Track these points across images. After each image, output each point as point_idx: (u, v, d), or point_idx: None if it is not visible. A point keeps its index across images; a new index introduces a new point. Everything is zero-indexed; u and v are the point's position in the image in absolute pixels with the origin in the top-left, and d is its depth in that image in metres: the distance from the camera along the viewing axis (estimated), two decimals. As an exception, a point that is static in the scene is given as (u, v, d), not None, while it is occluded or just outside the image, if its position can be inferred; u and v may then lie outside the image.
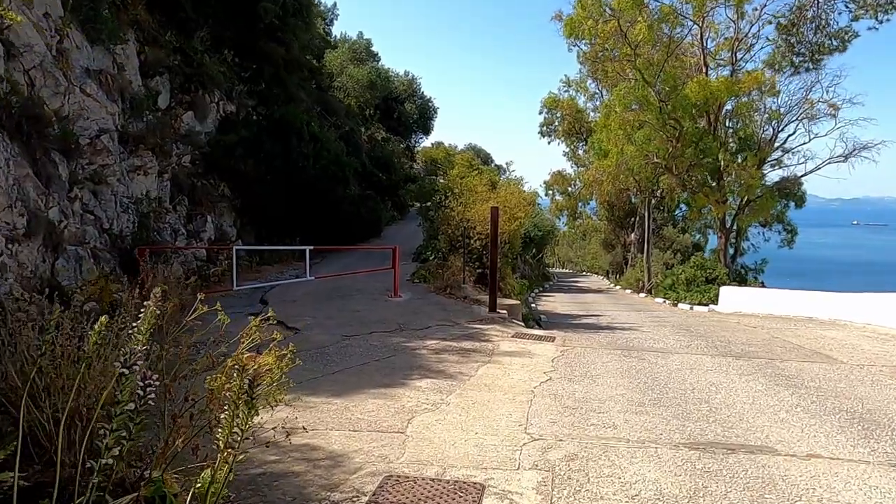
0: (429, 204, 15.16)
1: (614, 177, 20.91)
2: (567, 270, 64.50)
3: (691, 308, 17.63)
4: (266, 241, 15.96)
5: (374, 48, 31.31)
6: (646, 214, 26.85)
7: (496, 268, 10.72)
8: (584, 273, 57.92)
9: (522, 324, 11.01)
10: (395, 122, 33.62)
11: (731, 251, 21.37)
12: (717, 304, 17.04)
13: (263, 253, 15.06)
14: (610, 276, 44.98)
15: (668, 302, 19.74)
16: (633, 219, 38.94)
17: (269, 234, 16.09)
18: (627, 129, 18.29)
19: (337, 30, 34.34)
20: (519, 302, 11.49)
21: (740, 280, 19.31)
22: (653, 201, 27.12)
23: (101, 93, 11.20)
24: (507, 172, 14.25)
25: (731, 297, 16.28)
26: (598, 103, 35.16)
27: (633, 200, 32.56)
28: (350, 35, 31.32)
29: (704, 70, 19.77)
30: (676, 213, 39.74)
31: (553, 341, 8.99)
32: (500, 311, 10.82)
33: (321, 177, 16.31)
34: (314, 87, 25.08)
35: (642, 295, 24.75)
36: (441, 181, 14.93)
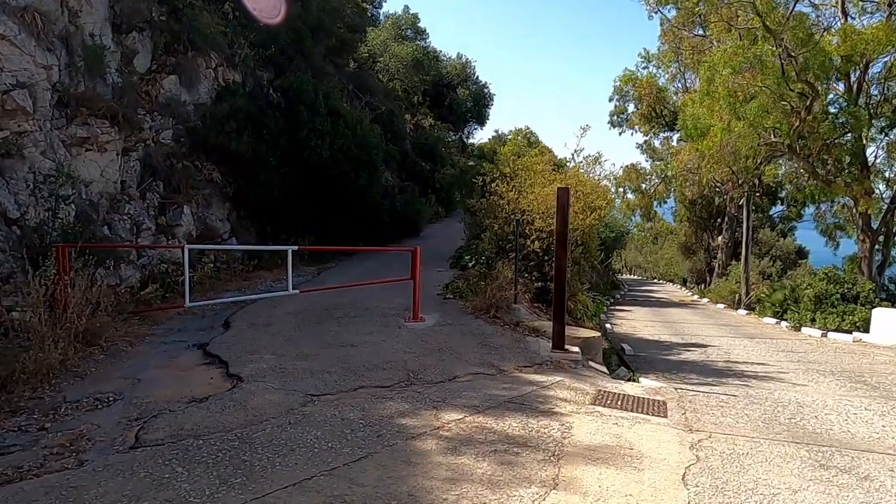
0: (470, 193, 11.53)
1: (717, 161, 16.43)
2: (635, 277, 59.12)
3: (824, 335, 13.12)
4: (271, 240, 12.85)
5: (421, 24, 27.99)
6: (745, 212, 22.05)
7: (564, 280, 6.99)
8: (655, 280, 52.57)
9: (605, 369, 7.21)
10: (447, 109, 30.11)
11: (878, 259, 16.45)
12: (866, 333, 12.48)
13: (263, 254, 11.92)
14: (688, 284, 39.76)
15: (785, 324, 15.20)
16: (719, 219, 33.85)
17: (274, 231, 12.97)
18: (734, 100, 13.97)
19: (384, 13, 31.21)
20: (597, 333, 7.66)
21: (891, 299, 14.54)
22: (752, 196, 22.35)
23: (24, 36, 8.32)
24: (577, 154, 10.52)
25: (892, 324, 11.71)
26: (679, 85, 30.47)
27: (722, 197, 27.62)
28: (395, 12, 28.14)
29: (843, 18, 15.05)
30: (772, 211, 34.30)
31: (666, 415, 5.18)
32: (570, 347, 7.08)
33: (340, 160, 13.02)
34: (352, 64, 22.00)
35: (742, 312, 20.08)
36: (488, 165, 11.34)
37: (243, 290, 9.95)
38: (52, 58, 8.91)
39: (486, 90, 32.38)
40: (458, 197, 15.58)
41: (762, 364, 9.08)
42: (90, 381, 5.53)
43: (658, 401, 5.65)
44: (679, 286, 40.79)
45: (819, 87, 14.08)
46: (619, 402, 5.46)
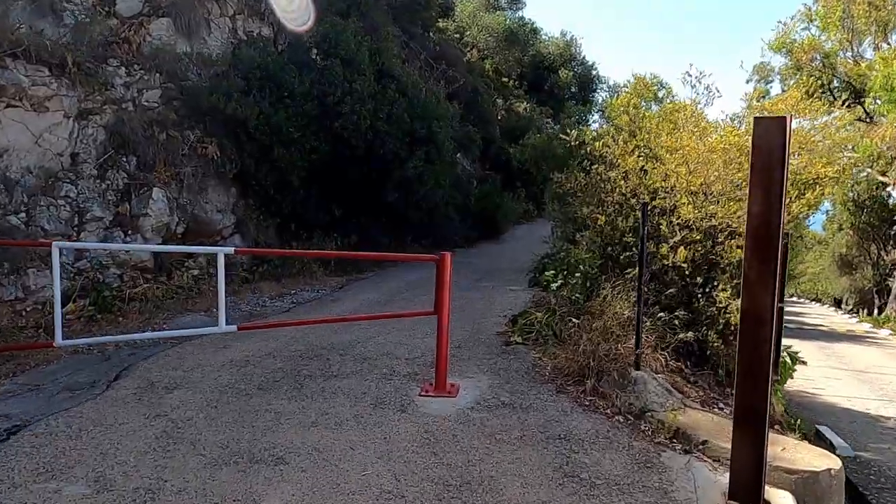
0: (560, 167, 7.50)
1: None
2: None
3: None
4: (294, 240, 9.72)
5: (515, -8, 24.14)
6: (958, 216, 15.94)
7: (771, 338, 2.93)
8: (795, 299, 44.33)
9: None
10: (547, 94, 25.91)
11: None
12: None
13: (271, 259, 8.79)
14: (844, 306, 32.33)
15: None
16: (895, 227, 26.70)
17: (299, 228, 9.81)
18: None
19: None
20: (836, 464, 3.40)
21: None
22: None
23: None
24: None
25: None
26: (848, 56, 23.97)
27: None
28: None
29: None
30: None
31: None
32: (778, 491, 3.00)
33: (385, 133, 9.61)
34: (430, 32, 18.55)
35: (960, 356, 14.11)
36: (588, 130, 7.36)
37: (211, 314, 6.74)
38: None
39: (593, 72, 27.77)
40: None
41: None
42: None
43: None
44: (832, 308, 33.32)
45: None
46: None
